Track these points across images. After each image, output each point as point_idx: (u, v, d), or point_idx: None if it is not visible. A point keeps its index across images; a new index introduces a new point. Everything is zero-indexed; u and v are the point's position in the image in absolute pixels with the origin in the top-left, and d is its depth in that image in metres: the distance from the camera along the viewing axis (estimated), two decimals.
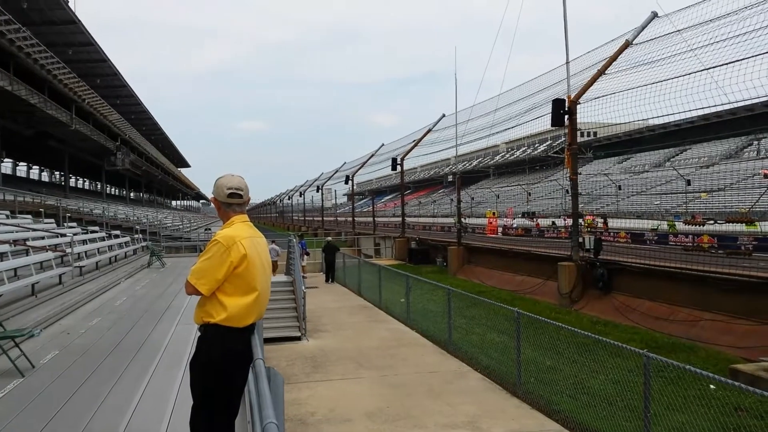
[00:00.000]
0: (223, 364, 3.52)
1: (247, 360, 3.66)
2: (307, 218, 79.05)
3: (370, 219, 51.39)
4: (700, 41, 16.65)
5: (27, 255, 14.63)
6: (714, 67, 15.73)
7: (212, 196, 3.86)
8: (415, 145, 40.12)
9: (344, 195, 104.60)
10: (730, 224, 23.82)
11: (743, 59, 15.11)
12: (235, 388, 3.64)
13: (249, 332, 3.65)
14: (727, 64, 15.45)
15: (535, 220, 38.39)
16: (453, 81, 33.17)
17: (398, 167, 41.56)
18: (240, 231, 3.62)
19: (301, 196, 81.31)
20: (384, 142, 49.83)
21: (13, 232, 17.12)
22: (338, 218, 76.24)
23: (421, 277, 17.40)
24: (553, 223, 34.86)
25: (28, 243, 15.93)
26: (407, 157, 41.22)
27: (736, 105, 18.69)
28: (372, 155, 51.07)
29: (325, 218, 69.11)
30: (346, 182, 55.16)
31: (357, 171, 54.22)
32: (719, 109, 20.76)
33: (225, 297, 3.51)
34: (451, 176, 75.69)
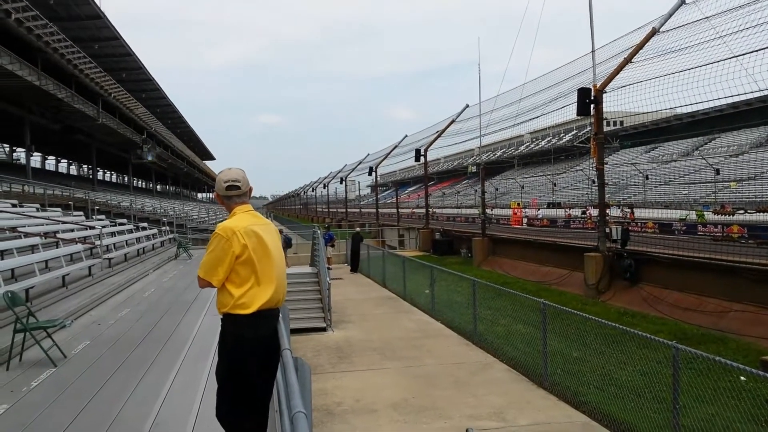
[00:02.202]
0: (235, 351, 3.63)
1: (261, 346, 3.68)
2: (331, 210, 79.23)
3: (394, 210, 51.39)
4: (729, 28, 16.33)
5: (57, 247, 14.85)
6: (743, 54, 15.43)
7: (214, 191, 3.98)
8: (439, 136, 39.96)
9: (368, 186, 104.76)
10: (761, 214, 23.42)
11: None
12: (253, 374, 3.66)
13: (263, 318, 3.67)
14: (757, 51, 15.15)
15: (566, 210, 38.07)
16: (475, 74, 32.96)
17: (422, 158, 41.44)
18: (240, 221, 3.70)
19: (324, 188, 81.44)
20: (407, 134, 49.79)
21: (43, 225, 17.40)
22: (362, 209, 76.39)
23: (445, 268, 17.37)
24: (583, 212, 34.53)
25: (58, 235, 16.19)
26: (431, 148, 41.08)
27: (766, 92, 18.32)
28: (395, 146, 51.00)
29: (349, 210, 69.22)
30: (370, 174, 55.19)
31: (380, 162, 54.19)
32: (749, 96, 20.32)
33: (233, 286, 3.62)
34: (474, 167, 75.38)
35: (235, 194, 3.80)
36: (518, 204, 42.48)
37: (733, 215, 24.16)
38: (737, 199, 31.56)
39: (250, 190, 3.91)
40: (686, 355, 6.73)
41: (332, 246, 27.98)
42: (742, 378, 7.52)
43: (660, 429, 7.06)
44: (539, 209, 42.56)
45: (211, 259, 3.61)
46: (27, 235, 14.16)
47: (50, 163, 69.85)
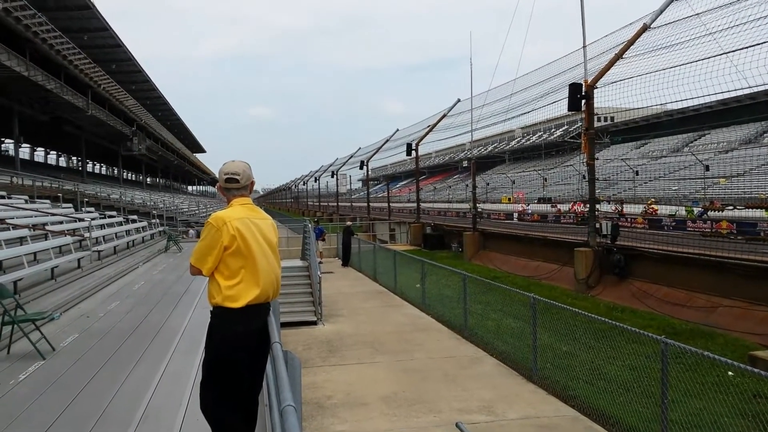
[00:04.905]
0: (222, 344, 3.61)
1: (250, 341, 3.67)
2: (322, 203, 79.11)
3: (385, 204, 51.40)
4: (720, 25, 16.39)
5: (46, 239, 14.76)
6: (733, 51, 15.50)
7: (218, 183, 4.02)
8: (430, 130, 39.94)
9: (359, 180, 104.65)
10: (750, 210, 23.59)
11: (764, 43, 14.88)
12: (240, 368, 3.65)
13: (252, 313, 3.64)
14: (747, 47, 15.22)
15: (554, 206, 38.19)
16: (467, 67, 32.95)
17: (413, 152, 41.42)
18: (234, 212, 3.70)
19: (316, 182, 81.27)
20: (398, 128, 49.76)
21: (32, 217, 17.28)
22: (353, 203, 76.29)
23: (436, 262, 17.38)
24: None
25: (47, 227, 16.09)
26: (422, 142, 41.05)
27: (756, 89, 18.44)
28: (387, 140, 50.96)
29: (340, 203, 69.13)
30: (361, 168, 55.08)
31: (372, 156, 54.11)
32: (738, 93, 20.47)
33: (221, 277, 3.61)
34: (466, 162, 75.46)
35: (234, 187, 3.80)
36: (509, 199, 42.67)
37: (722, 211, 24.30)
38: (726, 195, 31.74)
39: (252, 184, 3.91)
40: (675, 349, 6.76)
41: (323, 240, 27.94)
42: (730, 373, 7.59)
43: (648, 423, 7.10)
44: (528, 204, 42.69)
45: (202, 247, 3.63)
46: (15, 226, 14.05)
47: (39, 154, 69.39)
